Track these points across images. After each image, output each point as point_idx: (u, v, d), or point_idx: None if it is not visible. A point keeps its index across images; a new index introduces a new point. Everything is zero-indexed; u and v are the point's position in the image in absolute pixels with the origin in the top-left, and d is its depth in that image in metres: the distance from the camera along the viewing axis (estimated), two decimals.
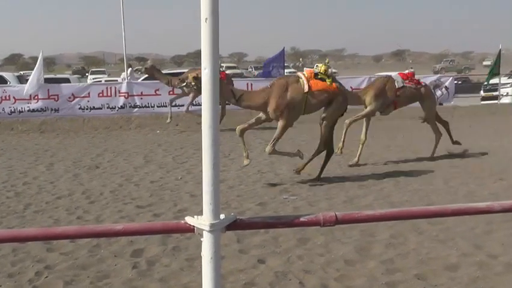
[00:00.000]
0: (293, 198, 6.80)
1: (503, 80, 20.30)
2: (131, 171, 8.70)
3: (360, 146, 9.16)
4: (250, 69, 57.76)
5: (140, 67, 18.96)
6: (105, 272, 4.44)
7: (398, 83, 9.38)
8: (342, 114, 8.10)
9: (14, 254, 4.78)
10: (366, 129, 9.49)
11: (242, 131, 7.55)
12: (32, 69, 16.22)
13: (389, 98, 9.33)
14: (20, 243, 4.87)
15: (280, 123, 7.47)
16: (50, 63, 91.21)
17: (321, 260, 4.64)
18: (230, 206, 6.41)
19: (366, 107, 9.44)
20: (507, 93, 19.90)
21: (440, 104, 18.22)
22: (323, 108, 7.79)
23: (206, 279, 1.72)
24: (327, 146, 7.94)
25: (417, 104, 10.01)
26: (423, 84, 10.10)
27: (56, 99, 15.56)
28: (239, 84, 17.27)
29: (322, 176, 7.87)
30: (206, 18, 1.62)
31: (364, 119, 9.51)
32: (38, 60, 15.72)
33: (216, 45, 1.64)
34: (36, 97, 15.41)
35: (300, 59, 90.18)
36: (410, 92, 9.50)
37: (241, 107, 7.98)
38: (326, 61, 8.12)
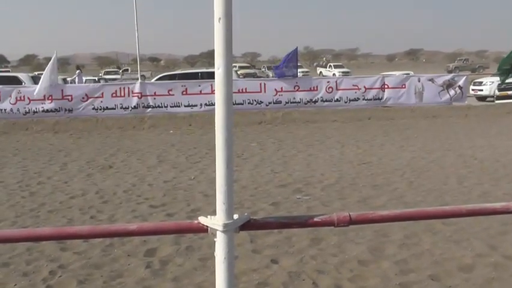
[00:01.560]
0: (306, 198, 6.78)
1: None
2: (145, 171, 8.74)
3: None
4: (263, 69, 57.85)
5: None
6: (118, 271, 4.46)
7: None
8: None
9: (29, 253, 4.83)
10: None
11: None
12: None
13: None
14: (34, 242, 4.91)
15: None
16: (63, 63, 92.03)
17: (335, 260, 4.62)
18: (243, 206, 6.41)
19: None
20: None
21: (454, 102, 18.12)
22: None
23: (219, 279, 1.72)
24: None
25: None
26: None
27: (70, 99, 15.69)
28: (252, 84, 17.36)
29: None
30: (219, 18, 1.61)
31: None
32: (51, 61, 15.83)
33: (230, 45, 1.64)
34: (50, 97, 15.55)
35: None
36: None
37: None
38: None
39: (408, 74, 23.20)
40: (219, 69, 1.64)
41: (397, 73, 23.65)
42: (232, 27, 1.64)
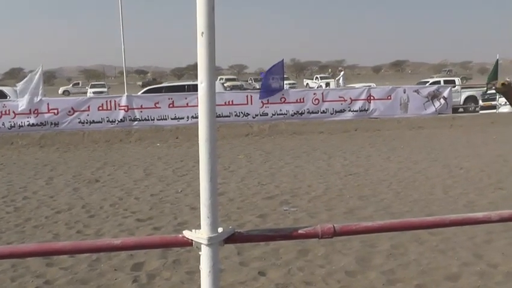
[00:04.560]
0: (293, 209, 6.79)
1: None
2: (131, 184, 8.70)
3: None
4: (250, 81, 58.00)
5: None
6: (105, 286, 4.43)
7: None
8: None
9: (14, 270, 4.76)
10: None
11: None
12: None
13: None
14: (20, 258, 4.85)
15: None
16: (50, 77, 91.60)
17: (322, 271, 4.62)
18: (230, 218, 6.40)
19: None
20: (505, 102, 19.92)
21: (440, 113, 18.34)
22: None
23: None
24: None
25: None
26: None
27: (56, 113, 15.59)
28: (238, 96, 17.40)
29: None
30: (202, 32, 1.62)
31: None
32: (36, 75, 15.66)
33: (212, 58, 1.65)
34: (36, 111, 15.44)
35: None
36: None
37: None
38: None
39: (370, 86, 24.11)
40: (202, 83, 1.65)
41: (357, 85, 24.30)
42: (215, 41, 1.65)
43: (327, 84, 29.15)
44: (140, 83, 60.58)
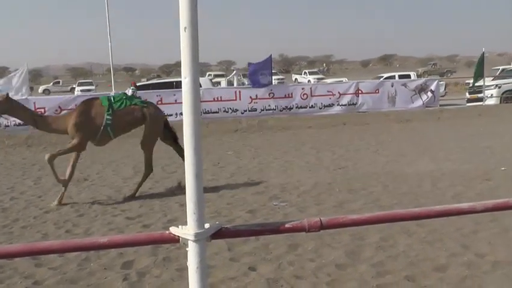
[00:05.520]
0: (283, 204, 6.80)
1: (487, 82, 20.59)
2: (120, 182, 8.66)
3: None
4: (239, 77, 57.89)
5: None
6: (95, 285, 4.41)
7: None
8: None
9: (2, 271, 4.72)
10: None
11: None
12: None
13: None
14: (7, 259, 4.81)
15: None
16: (36, 75, 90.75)
17: (312, 265, 4.64)
18: (220, 214, 6.40)
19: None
20: (491, 94, 20.12)
21: (427, 106, 18.45)
22: None
23: None
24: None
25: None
26: None
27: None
28: (227, 92, 17.37)
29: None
30: (185, 28, 1.62)
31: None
32: (21, 73, 15.51)
33: (196, 54, 1.65)
34: None
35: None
36: None
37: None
38: None
39: (341, 80, 24.65)
40: (185, 79, 1.65)
41: (329, 81, 24.86)
42: (198, 36, 1.65)
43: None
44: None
